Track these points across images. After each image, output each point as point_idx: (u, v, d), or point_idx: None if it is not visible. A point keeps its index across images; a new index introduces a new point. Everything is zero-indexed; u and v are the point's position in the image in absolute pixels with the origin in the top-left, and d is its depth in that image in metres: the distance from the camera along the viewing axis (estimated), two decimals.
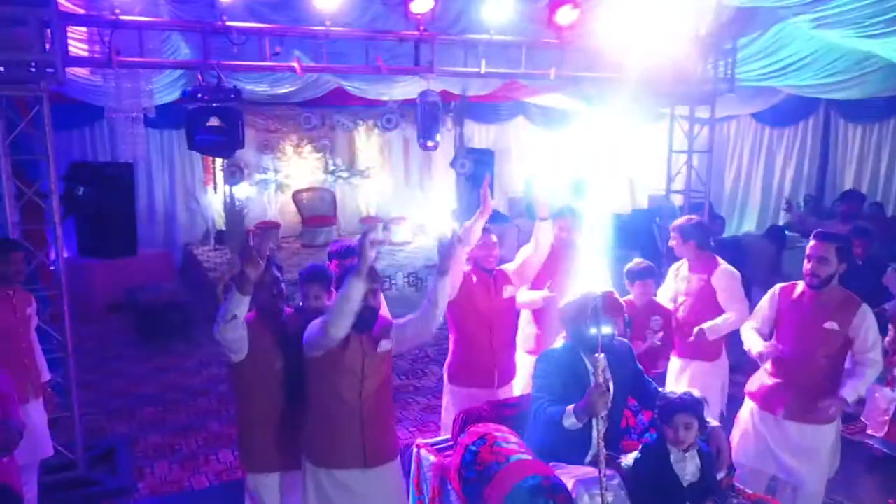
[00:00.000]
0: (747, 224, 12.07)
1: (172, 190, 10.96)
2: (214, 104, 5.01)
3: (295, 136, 11.07)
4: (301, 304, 3.64)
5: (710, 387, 4.42)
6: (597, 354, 2.99)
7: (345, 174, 11.41)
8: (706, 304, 4.47)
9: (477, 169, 10.67)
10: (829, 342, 3.67)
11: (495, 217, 11.63)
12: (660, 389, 3.41)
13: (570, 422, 3.00)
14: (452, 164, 9.80)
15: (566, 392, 3.13)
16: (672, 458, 3.01)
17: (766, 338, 3.98)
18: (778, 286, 4.01)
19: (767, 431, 3.86)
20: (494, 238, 4.29)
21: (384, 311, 3.56)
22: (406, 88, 9.88)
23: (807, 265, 3.71)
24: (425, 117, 5.81)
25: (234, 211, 9.74)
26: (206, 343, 7.46)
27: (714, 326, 4.35)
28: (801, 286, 3.83)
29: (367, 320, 3.14)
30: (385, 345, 3.26)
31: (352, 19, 5.62)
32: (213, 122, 4.99)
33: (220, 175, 10.51)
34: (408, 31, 5.59)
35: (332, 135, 11.23)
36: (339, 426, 3.20)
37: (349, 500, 3.23)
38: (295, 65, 5.25)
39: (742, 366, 4.84)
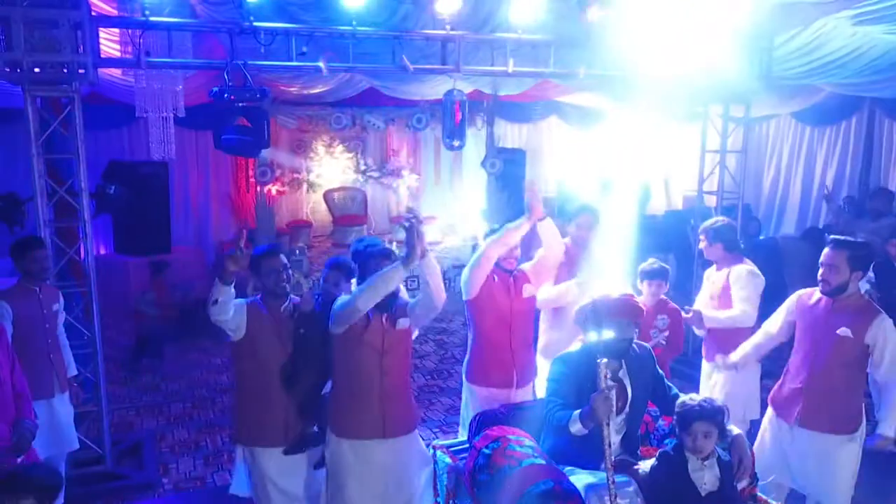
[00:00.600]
0: (786, 226, 11.77)
1: (207, 189, 11.11)
2: (241, 104, 5.04)
3: (327, 137, 11.13)
4: (321, 286, 3.83)
5: (738, 393, 4.35)
6: (599, 360, 2.92)
7: (376, 174, 11.43)
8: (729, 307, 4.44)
9: (507, 169, 10.61)
10: (843, 350, 3.59)
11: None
12: (680, 395, 3.33)
13: (576, 427, 2.96)
14: (483, 164, 9.75)
15: (580, 397, 3.07)
16: (690, 466, 2.93)
17: (784, 344, 3.97)
18: (798, 292, 3.93)
19: (782, 439, 3.79)
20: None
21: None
22: (438, 88, 9.87)
23: (819, 272, 3.66)
24: (451, 117, 5.77)
25: (264, 210, 9.81)
26: None
27: (712, 316, 4.36)
28: (818, 292, 3.75)
29: (389, 302, 3.41)
30: (403, 322, 3.49)
31: (382, 19, 5.63)
32: (240, 122, 5.02)
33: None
34: (434, 31, 5.58)
35: (364, 135, 11.25)
36: (360, 399, 3.44)
37: (367, 468, 3.44)
38: (321, 64, 5.26)
39: (774, 372, 4.72)
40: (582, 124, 12.13)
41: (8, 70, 4.50)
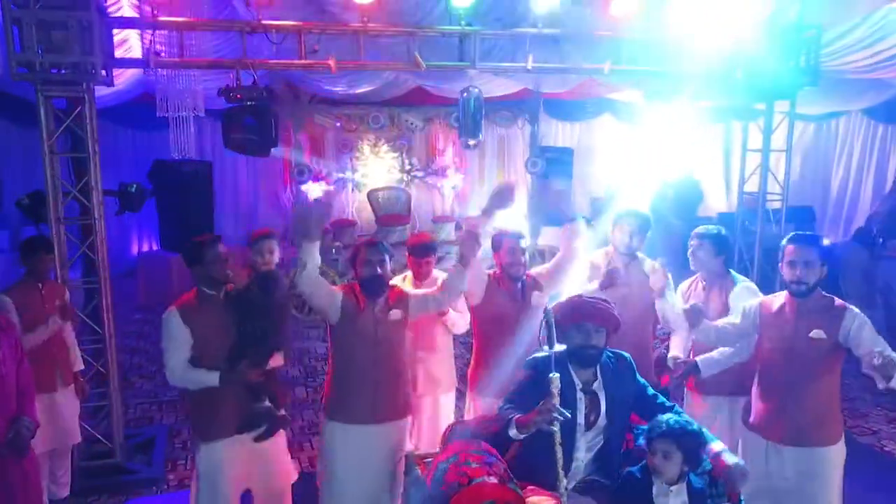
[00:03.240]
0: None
1: (255, 187, 11.31)
2: (249, 103, 5.04)
3: (372, 136, 11.14)
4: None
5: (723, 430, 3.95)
6: (551, 375, 2.70)
7: (420, 173, 11.36)
8: None
9: (551, 168, 10.35)
10: (819, 354, 3.32)
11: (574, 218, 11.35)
12: (667, 404, 3.09)
13: (512, 432, 2.77)
14: (525, 164, 9.53)
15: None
16: (654, 490, 2.69)
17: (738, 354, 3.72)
18: (756, 300, 3.63)
19: (766, 461, 3.46)
20: (523, 243, 4.00)
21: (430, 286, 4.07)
22: (487, 85, 9.72)
23: (792, 272, 3.34)
24: (468, 115, 5.61)
25: (284, 210, 9.88)
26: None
27: (709, 359, 3.88)
28: (780, 298, 3.48)
29: (373, 288, 3.56)
30: (395, 314, 3.61)
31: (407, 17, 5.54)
32: (245, 119, 5.02)
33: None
34: (450, 27, 5.45)
35: (409, 134, 11.20)
36: (353, 385, 3.59)
37: (358, 452, 3.57)
38: (330, 62, 5.20)
39: None
40: (635, 122, 11.69)
41: (21, 71, 4.62)
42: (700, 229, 4.14)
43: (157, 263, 9.36)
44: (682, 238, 10.35)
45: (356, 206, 11.42)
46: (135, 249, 11.32)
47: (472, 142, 5.64)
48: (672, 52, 5.84)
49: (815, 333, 3.30)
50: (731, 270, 4.12)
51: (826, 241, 8.76)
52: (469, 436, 3.24)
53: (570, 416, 2.74)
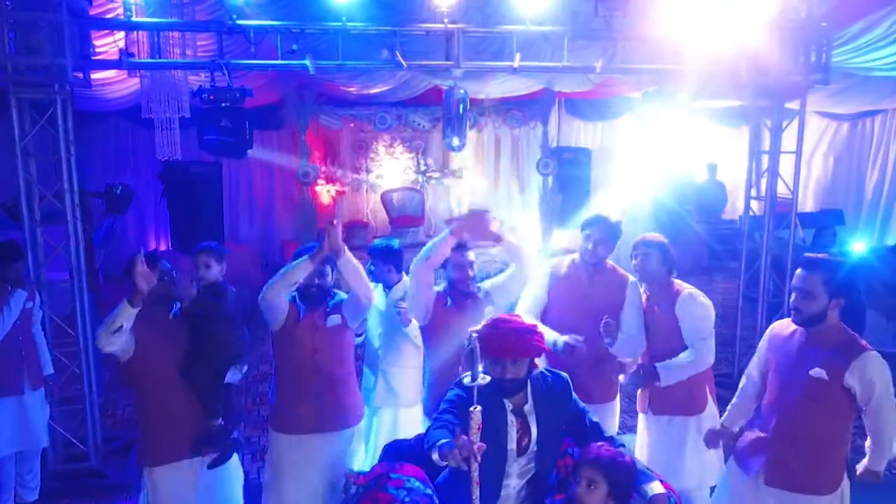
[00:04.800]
0: (893, 237, 10.50)
1: (271, 187, 11.31)
2: (223, 104, 4.95)
3: (387, 137, 11.02)
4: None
5: (692, 453, 3.71)
6: (472, 408, 2.49)
7: (436, 174, 11.19)
8: (673, 343, 3.71)
9: (567, 170, 10.11)
10: (816, 395, 2.95)
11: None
12: (604, 433, 2.87)
13: (434, 457, 2.57)
14: (537, 165, 9.30)
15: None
16: None
17: (758, 390, 3.31)
18: (774, 323, 3.33)
19: (744, 496, 3.17)
20: (472, 256, 3.75)
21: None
22: (503, 86, 9.51)
23: (792, 298, 3.02)
24: (452, 115, 5.43)
25: (306, 211, 9.82)
26: (261, 342, 7.54)
27: (668, 366, 3.63)
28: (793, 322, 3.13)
29: (315, 298, 3.55)
30: (334, 319, 3.56)
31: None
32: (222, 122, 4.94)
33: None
34: (433, 25, 5.28)
35: (426, 135, 11.04)
36: (294, 394, 3.55)
37: (303, 462, 3.52)
38: (307, 62, 5.08)
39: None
40: (656, 122, 11.32)
41: None
42: (647, 236, 3.89)
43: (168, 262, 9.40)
44: (704, 242, 9.96)
45: (371, 208, 11.32)
46: (151, 248, 11.43)
47: (456, 142, 5.46)
48: (670, 49, 5.56)
49: (816, 373, 2.94)
50: (674, 279, 3.85)
51: (859, 246, 8.27)
52: (401, 456, 3.07)
53: (475, 462, 2.48)
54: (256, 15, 5.00)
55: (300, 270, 3.33)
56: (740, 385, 3.40)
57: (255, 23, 5.03)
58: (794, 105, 6.10)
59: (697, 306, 3.68)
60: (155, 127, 5.65)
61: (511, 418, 2.79)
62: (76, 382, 5.14)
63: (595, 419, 2.95)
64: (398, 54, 5.22)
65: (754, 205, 6.58)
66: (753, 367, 3.34)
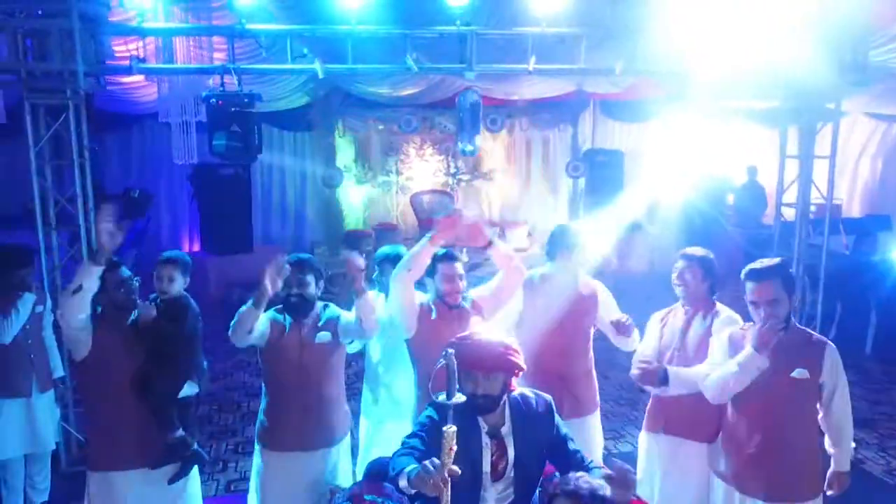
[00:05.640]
0: None
1: (303, 189, 11.36)
2: (232, 109, 4.93)
3: (417, 139, 10.97)
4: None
5: (689, 477, 3.47)
6: (445, 427, 2.36)
7: (467, 176, 11.09)
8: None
9: (597, 172, 9.87)
10: (800, 395, 2.96)
11: (632, 225, 10.76)
12: (585, 461, 2.71)
13: (402, 484, 2.44)
14: (566, 168, 9.11)
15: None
16: None
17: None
18: (725, 332, 3.20)
19: None
20: (460, 268, 3.55)
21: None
22: (535, 88, 9.36)
23: (757, 312, 2.95)
24: (465, 119, 5.31)
25: (330, 213, 9.82)
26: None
27: (679, 373, 3.39)
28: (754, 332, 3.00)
29: (297, 307, 3.37)
30: (323, 336, 3.41)
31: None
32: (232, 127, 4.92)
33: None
34: (445, 27, 5.17)
35: (451, 137, 10.94)
36: (280, 410, 3.43)
37: (289, 479, 3.41)
38: (316, 66, 5.03)
39: None
40: (691, 124, 10.98)
41: (7, 78, 4.70)
42: (688, 250, 3.65)
43: (195, 265, 9.50)
44: (740, 247, 9.60)
45: (401, 210, 11.28)
46: (184, 249, 11.60)
47: (469, 147, 5.34)
48: (693, 49, 5.34)
49: (799, 373, 2.93)
50: (716, 301, 3.60)
51: None
52: (381, 476, 2.97)
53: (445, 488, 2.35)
54: (273, 18, 4.96)
55: (249, 317, 3.16)
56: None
57: (265, 27, 4.99)
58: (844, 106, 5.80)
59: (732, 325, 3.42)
60: (172, 131, 5.67)
61: (486, 440, 2.66)
62: None
63: (575, 447, 2.77)
64: (409, 58, 5.12)
65: (788, 211, 6.30)
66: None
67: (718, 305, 3.55)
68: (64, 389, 4.83)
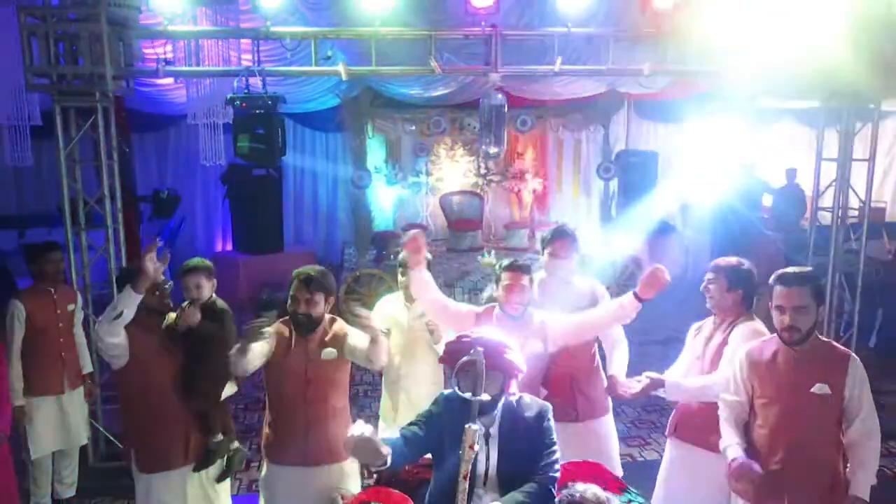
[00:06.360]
0: None
1: (335, 190, 11.41)
2: (256, 111, 4.96)
3: (448, 140, 10.92)
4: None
5: (706, 488, 3.38)
6: (468, 426, 2.33)
7: (497, 178, 11.01)
8: None
9: (630, 173, 9.71)
10: (822, 412, 2.82)
11: (663, 228, 10.57)
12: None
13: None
14: (597, 170, 8.99)
15: (442, 449, 2.59)
16: None
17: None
18: (743, 349, 3.07)
19: None
20: (524, 279, 3.45)
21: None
22: (566, 88, 9.26)
23: (781, 318, 2.85)
24: (489, 121, 5.26)
25: (360, 214, 9.83)
26: None
27: (678, 384, 3.38)
28: (772, 344, 2.95)
29: (301, 326, 3.33)
30: (329, 353, 3.36)
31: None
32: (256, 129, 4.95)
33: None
34: (471, 29, 5.14)
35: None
36: (285, 425, 3.39)
37: (292, 493, 3.39)
38: (340, 68, 5.03)
39: None
40: (727, 124, 10.75)
41: (38, 82, 4.79)
42: (718, 260, 3.53)
43: (227, 264, 9.61)
44: (780, 251, 9.34)
45: (430, 211, 11.25)
46: (218, 249, 11.74)
47: (493, 150, 5.30)
48: (724, 49, 5.20)
49: (819, 389, 2.81)
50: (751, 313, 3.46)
51: None
52: (391, 483, 2.95)
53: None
54: (302, 20, 4.98)
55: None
56: (729, 415, 3.10)
57: (290, 29, 5.02)
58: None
59: (750, 336, 3.29)
60: (199, 133, 5.73)
61: (481, 441, 2.61)
62: None
63: (550, 460, 2.63)
64: (432, 59, 5.09)
65: (825, 216, 6.11)
66: (739, 394, 3.07)
67: (748, 317, 3.41)
68: (93, 386, 4.90)
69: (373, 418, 4.60)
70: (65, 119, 4.89)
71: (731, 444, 3.02)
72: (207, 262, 3.77)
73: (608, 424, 3.88)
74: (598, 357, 3.91)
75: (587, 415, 3.72)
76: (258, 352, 3.24)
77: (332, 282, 3.40)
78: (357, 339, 3.36)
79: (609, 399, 3.83)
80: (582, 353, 3.78)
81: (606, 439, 3.84)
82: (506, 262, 3.52)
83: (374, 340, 3.23)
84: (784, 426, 2.89)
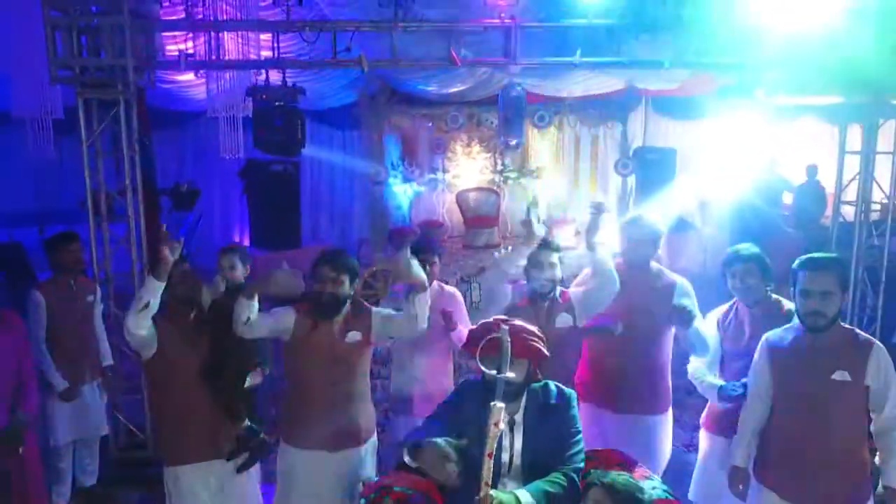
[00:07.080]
0: None
1: (351, 186, 11.44)
2: (276, 103, 4.98)
3: (465, 136, 10.93)
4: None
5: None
6: (493, 403, 2.30)
7: (514, 174, 10.99)
8: None
9: (648, 170, 9.66)
10: (844, 399, 2.79)
11: (681, 225, 10.49)
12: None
13: (407, 458, 2.49)
14: (615, 166, 8.94)
15: (465, 435, 2.54)
16: None
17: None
18: (764, 336, 3.05)
19: None
20: (554, 257, 3.53)
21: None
22: (584, 84, 9.23)
23: (806, 303, 2.82)
24: (509, 113, 5.25)
25: (376, 210, 9.84)
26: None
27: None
28: (792, 331, 2.94)
29: (324, 308, 3.27)
30: (353, 336, 3.33)
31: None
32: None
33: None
34: (489, 20, 5.12)
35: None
36: (306, 408, 3.36)
37: (314, 478, 3.36)
38: (361, 60, 5.03)
39: None
40: (747, 120, 10.64)
41: (62, 74, 4.83)
42: (741, 249, 3.49)
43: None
44: (801, 248, 9.26)
45: (446, 208, 11.26)
46: (234, 242, 11.80)
47: (513, 141, 5.28)
48: (746, 41, 5.15)
49: (839, 375, 2.79)
50: (780, 297, 3.47)
51: None
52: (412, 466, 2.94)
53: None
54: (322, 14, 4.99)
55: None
56: (747, 415, 3.10)
57: (310, 22, 5.02)
58: None
59: None
60: (218, 126, 5.75)
61: (506, 428, 2.59)
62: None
63: (576, 450, 2.61)
64: (451, 51, 5.08)
65: (848, 210, 6.04)
66: (760, 390, 3.05)
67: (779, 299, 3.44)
68: (112, 378, 4.93)
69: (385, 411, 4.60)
70: (87, 111, 4.92)
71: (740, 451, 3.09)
72: (244, 247, 3.80)
73: (660, 422, 3.82)
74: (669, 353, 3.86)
75: (650, 409, 3.72)
76: (268, 320, 3.24)
77: (356, 263, 3.40)
78: (385, 309, 3.41)
79: (670, 395, 3.82)
80: (657, 346, 3.73)
81: (664, 436, 3.82)
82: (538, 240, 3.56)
83: (421, 287, 3.20)
84: (806, 415, 2.87)
